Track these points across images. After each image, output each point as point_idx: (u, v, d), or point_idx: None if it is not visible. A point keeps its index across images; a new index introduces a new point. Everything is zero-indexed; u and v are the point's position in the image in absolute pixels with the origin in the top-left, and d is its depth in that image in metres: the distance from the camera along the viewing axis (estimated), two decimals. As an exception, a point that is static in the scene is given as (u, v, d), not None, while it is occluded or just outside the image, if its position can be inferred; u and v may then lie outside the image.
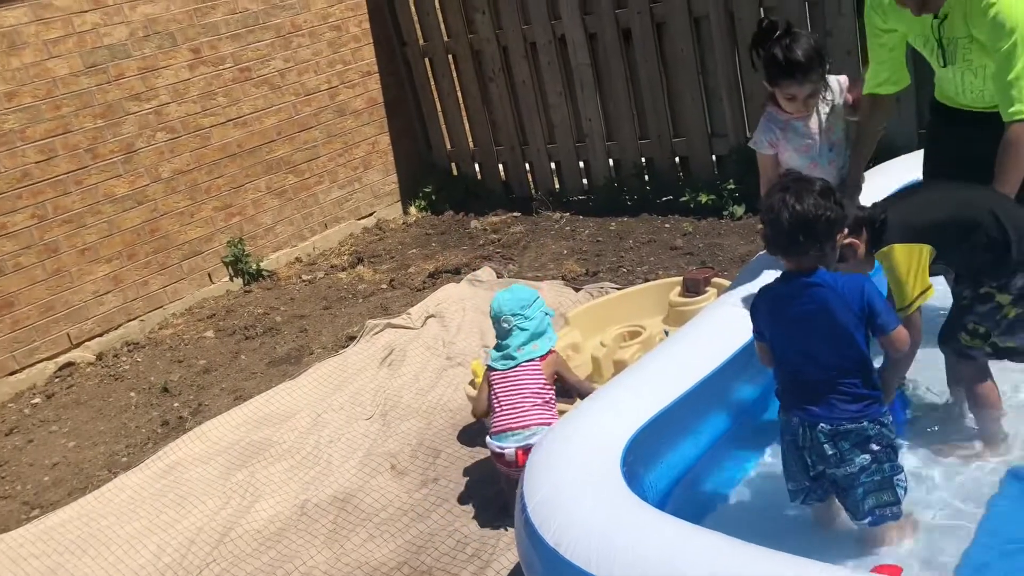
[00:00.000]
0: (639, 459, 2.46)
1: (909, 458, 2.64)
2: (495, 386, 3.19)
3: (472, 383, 3.69)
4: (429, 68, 7.05)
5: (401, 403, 4.14)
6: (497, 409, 3.14)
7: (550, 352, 3.23)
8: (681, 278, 4.09)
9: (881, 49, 3.10)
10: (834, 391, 2.30)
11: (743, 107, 5.64)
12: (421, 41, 6.99)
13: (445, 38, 6.86)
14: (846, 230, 2.41)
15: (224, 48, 6.08)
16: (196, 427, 4.26)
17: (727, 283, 3.69)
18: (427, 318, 4.89)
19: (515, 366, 3.17)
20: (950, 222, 2.54)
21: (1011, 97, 2.67)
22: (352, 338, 4.95)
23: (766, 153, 3.31)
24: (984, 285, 2.60)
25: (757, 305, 2.43)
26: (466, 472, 3.52)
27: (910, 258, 2.48)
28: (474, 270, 5.49)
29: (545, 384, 3.15)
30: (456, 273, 5.64)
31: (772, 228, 2.28)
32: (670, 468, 2.64)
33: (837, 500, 2.43)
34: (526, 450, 2.92)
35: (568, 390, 3.29)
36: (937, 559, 2.32)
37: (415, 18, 6.93)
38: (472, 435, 3.75)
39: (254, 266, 6.21)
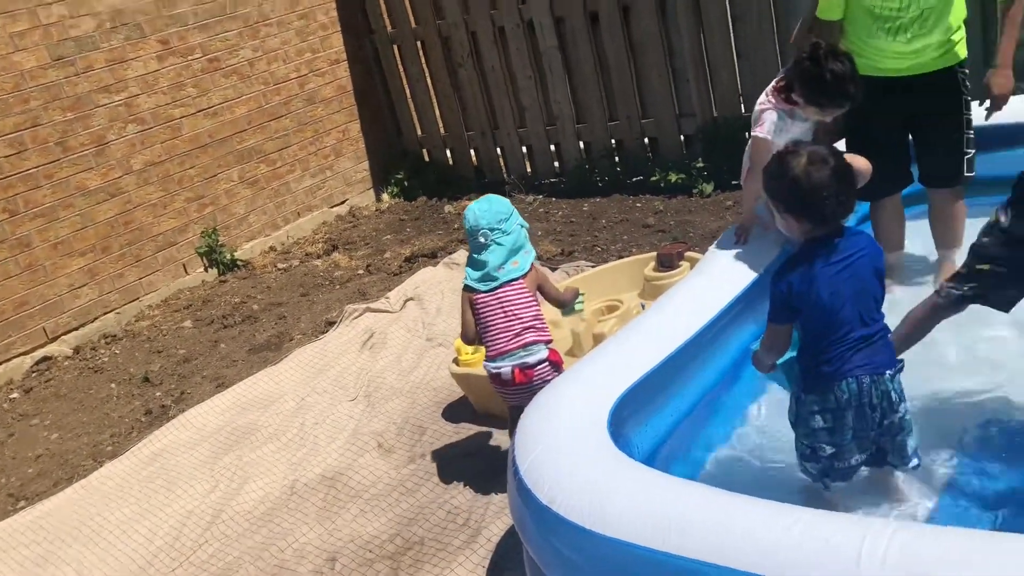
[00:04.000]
0: (626, 420, 2.55)
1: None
2: (481, 310, 3.08)
3: (456, 361, 3.76)
4: (398, 55, 7.08)
5: (384, 384, 4.20)
6: (488, 334, 3.07)
7: (531, 268, 3.14)
8: (655, 254, 4.19)
9: None
10: (884, 338, 2.39)
11: (709, 87, 5.75)
12: (389, 28, 7.01)
13: (413, 24, 6.89)
14: None
15: (192, 39, 6.06)
16: (180, 414, 4.28)
17: (699, 257, 3.79)
18: (406, 301, 4.94)
19: (497, 287, 3.07)
20: None
21: None
22: (331, 323, 4.99)
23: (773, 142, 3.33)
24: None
25: (791, 284, 2.34)
26: (452, 447, 3.60)
27: None
28: (450, 253, 5.55)
29: (532, 301, 3.08)
30: (432, 257, 5.69)
31: (826, 198, 2.28)
32: (655, 430, 2.72)
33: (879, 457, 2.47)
34: (523, 368, 2.98)
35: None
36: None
37: (383, 5, 6.94)
38: (457, 412, 3.82)
39: (228, 256, 6.21)
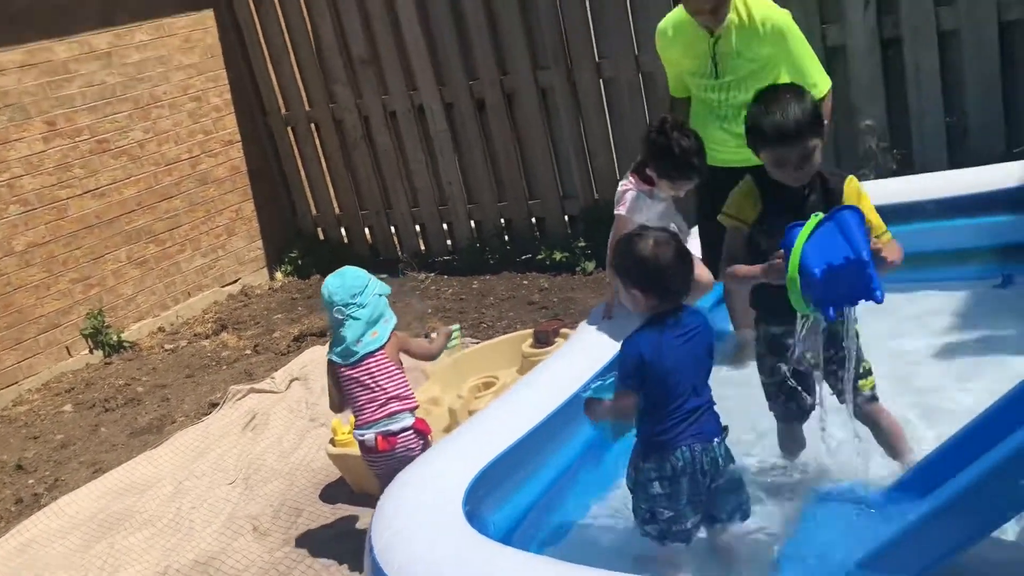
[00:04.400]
0: (483, 498, 2.64)
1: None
2: (345, 383, 3.15)
3: (332, 441, 3.80)
4: (292, 136, 7.20)
5: (264, 466, 4.19)
6: (355, 405, 3.15)
7: (391, 336, 3.18)
8: (532, 330, 4.34)
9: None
10: (711, 408, 2.56)
11: (589, 170, 6.03)
12: (283, 110, 7.14)
13: (307, 107, 7.04)
14: None
15: (81, 120, 6.07)
16: (52, 502, 4.18)
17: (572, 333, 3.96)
18: (291, 381, 4.96)
19: (358, 361, 3.13)
20: None
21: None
22: (215, 405, 4.96)
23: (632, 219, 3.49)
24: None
25: (642, 350, 2.47)
26: (328, 528, 3.61)
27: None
28: (339, 332, 5.60)
29: (394, 371, 3.14)
30: (322, 336, 5.73)
31: (670, 275, 2.48)
32: (515, 505, 2.82)
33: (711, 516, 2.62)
34: (386, 435, 3.05)
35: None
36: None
37: (276, 89, 7.08)
38: (334, 493, 3.84)
39: (115, 337, 6.12)
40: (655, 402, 2.50)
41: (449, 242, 6.86)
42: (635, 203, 3.50)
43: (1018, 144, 4.49)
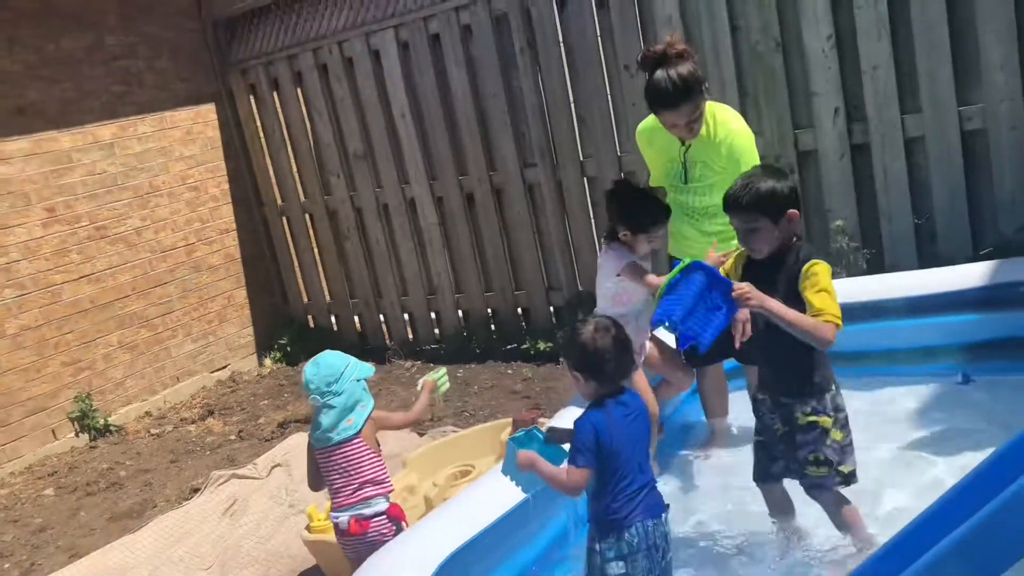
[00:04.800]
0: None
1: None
2: (322, 465, 3.24)
3: (308, 527, 3.82)
4: (287, 226, 7.40)
5: (241, 552, 4.20)
6: (331, 488, 3.23)
7: (368, 420, 3.22)
8: (511, 419, 4.41)
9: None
10: (654, 485, 2.68)
11: (574, 263, 6.18)
12: (279, 201, 7.35)
13: (302, 199, 7.25)
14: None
15: (80, 207, 6.25)
16: (26, 587, 4.17)
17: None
18: (273, 467, 4.98)
19: (334, 447, 3.20)
20: None
21: None
22: (197, 490, 4.98)
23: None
24: (801, 410, 2.88)
25: (597, 427, 2.56)
26: (301, 615, 3.61)
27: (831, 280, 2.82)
28: (324, 419, 5.65)
29: (370, 456, 3.20)
30: (306, 422, 5.77)
31: (607, 360, 2.62)
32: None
33: None
34: (359, 519, 3.12)
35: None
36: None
37: (273, 180, 7.31)
38: (310, 579, 3.85)
39: (102, 421, 6.16)
40: (604, 481, 2.60)
41: (436, 331, 6.97)
42: (620, 255, 3.43)
43: (984, 246, 4.65)
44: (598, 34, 5.58)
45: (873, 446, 3.57)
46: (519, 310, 6.58)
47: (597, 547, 2.63)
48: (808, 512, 3.05)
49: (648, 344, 3.63)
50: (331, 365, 3.24)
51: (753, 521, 3.20)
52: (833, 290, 2.79)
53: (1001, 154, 4.58)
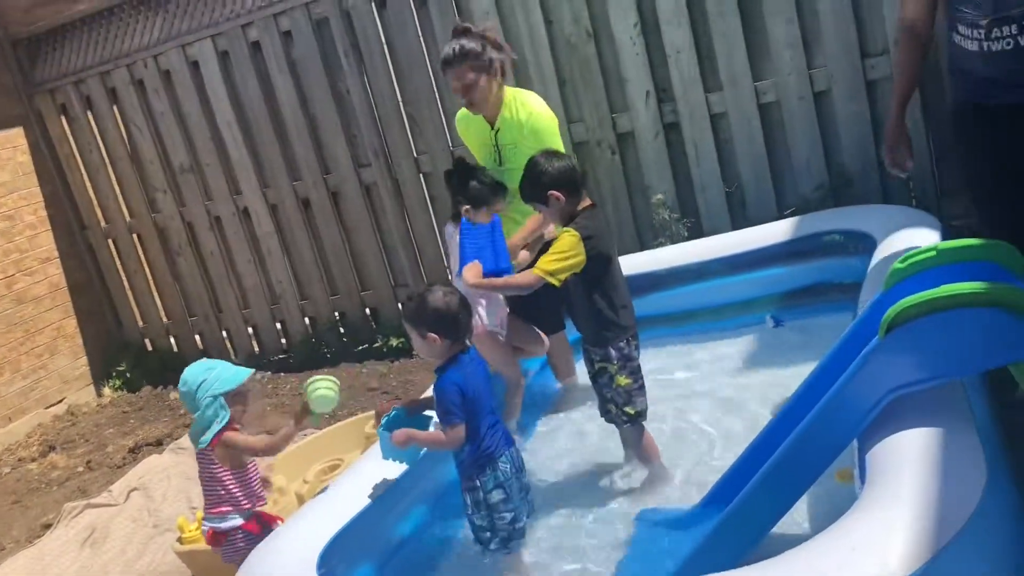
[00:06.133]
0: (336, 565, 2.77)
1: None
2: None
3: (180, 539, 3.78)
4: (114, 248, 7.12)
5: (108, 578, 4.09)
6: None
7: (217, 437, 3.20)
8: (374, 412, 4.49)
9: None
10: (500, 420, 3.03)
11: (418, 258, 6.32)
12: (103, 224, 7.07)
13: (128, 219, 7.00)
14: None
15: None
16: None
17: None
18: (130, 492, 4.85)
19: (199, 453, 3.26)
20: (605, 260, 3.22)
21: None
22: (48, 526, 4.77)
23: None
24: (595, 359, 3.27)
25: (459, 384, 2.83)
26: (181, 627, 3.58)
27: (571, 250, 3.09)
28: (176, 439, 5.53)
29: (221, 473, 3.22)
30: (158, 445, 5.63)
31: (461, 319, 2.91)
32: (369, 568, 2.97)
33: None
34: (215, 532, 3.21)
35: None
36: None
37: (95, 202, 7.02)
38: (184, 593, 3.81)
39: (-73, 472, 5.76)
40: (474, 427, 2.88)
41: (283, 340, 6.92)
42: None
43: (787, 206, 5.15)
44: (419, 33, 5.74)
45: (712, 390, 3.94)
46: (367, 310, 6.64)
47: (477, 483, 2.89)
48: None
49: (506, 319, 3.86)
50: (184, 382, 3.28)
51: (606, 456, 3.60)
52: (564, 251, 3.10)
53: (794, 123, 5.08)
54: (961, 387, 2.49)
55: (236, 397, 3.28)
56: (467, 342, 2.97)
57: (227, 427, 3.25)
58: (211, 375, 3.28)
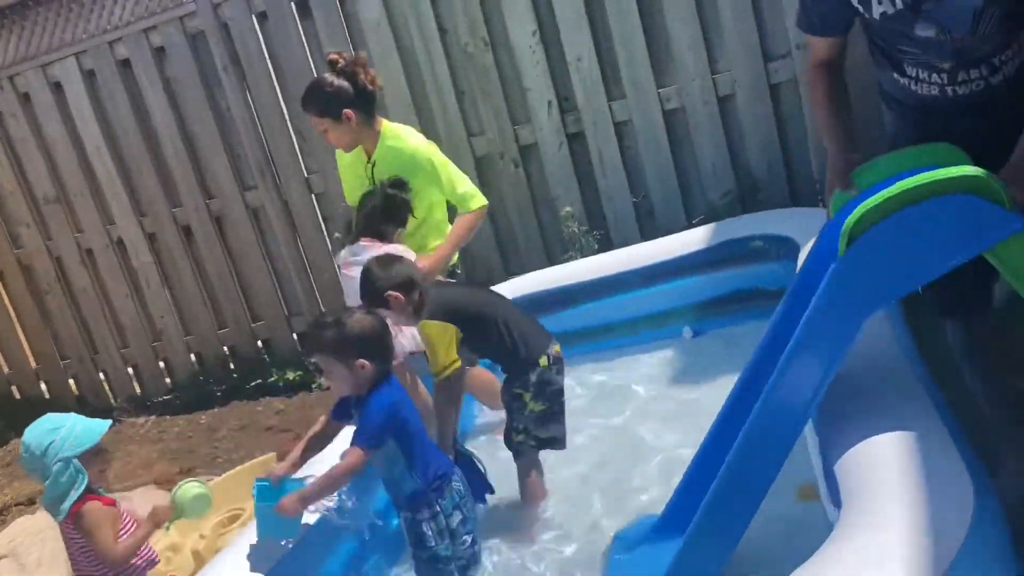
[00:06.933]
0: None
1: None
2: None
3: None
4: (-29, 289, 6.47)
5: (-28, 663, 3.57)
6: None
7: (77, 505, 2.84)
8: (276, 453, 4.13)
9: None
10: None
11: (312, 284, 5.95)
12: (-42, 262, 6.41)
13: (-13, 256, 6.37)
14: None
15: None
16: None
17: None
18: (-2, 560, 4.31)
19: (61, 523, 2.92)
20: (474, 318, 3.15)
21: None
22: (-100, 607, 4.17)
23: None
24: (511, 387, 3.17)
25: (395, 407, 2.71)
26: None
27: (443, 334, 3.08)
28: (51, 496, 4.98)
29: (82, 549, 2.89)
30: (31, 504, 5.08)
31: (387, 339, 2.80)
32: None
33: None
34: None
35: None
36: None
37: (-54, 241, 6.36)
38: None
39: None
40: (413, 452, 2.73)
41: (168, 380, 6.42)
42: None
43: (696, 214, 5.05)
44: (305, 43, 5.41)
45: (635, 405, 3.77)
46: (259, 343, 6.22)
47: (438, 508, 2.74)
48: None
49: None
50: (28, 448, 2.85)
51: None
52: (436, 344, 3.17)
53: (699, 129, 4.99)
54: (918, 380, 2.36)
55: (94, 457, 2.90)
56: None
57: (87, 493, 2.86)
58: (58, 435, 2.85)
